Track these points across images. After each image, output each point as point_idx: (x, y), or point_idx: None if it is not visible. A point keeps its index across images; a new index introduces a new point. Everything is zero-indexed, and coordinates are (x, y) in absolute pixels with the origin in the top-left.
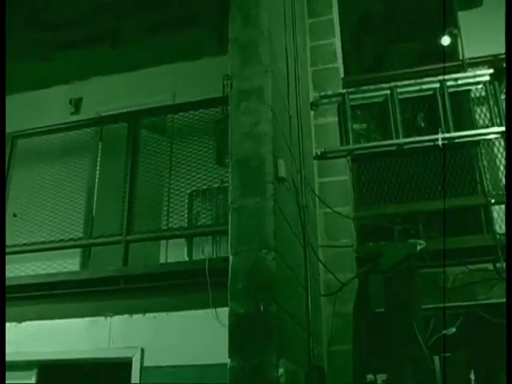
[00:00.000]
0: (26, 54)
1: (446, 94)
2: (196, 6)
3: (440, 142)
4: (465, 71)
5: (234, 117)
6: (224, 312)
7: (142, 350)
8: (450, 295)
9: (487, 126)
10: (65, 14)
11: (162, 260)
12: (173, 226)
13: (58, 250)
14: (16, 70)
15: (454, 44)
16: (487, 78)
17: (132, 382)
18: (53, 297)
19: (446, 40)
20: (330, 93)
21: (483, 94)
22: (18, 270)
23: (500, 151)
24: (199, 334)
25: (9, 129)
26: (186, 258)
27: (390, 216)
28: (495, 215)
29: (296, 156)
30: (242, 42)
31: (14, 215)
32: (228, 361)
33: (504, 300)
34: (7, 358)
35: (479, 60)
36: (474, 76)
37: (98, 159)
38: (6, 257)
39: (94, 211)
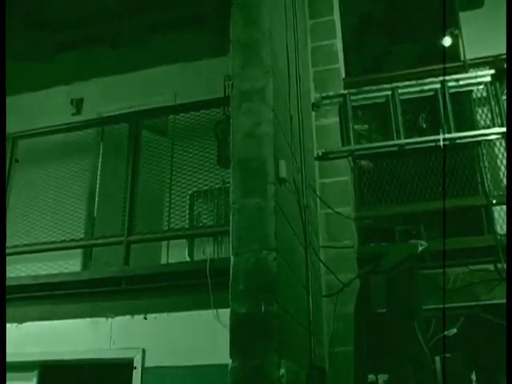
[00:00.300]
0: (26, 54)
1: (448, 95)
2: (197, 6)
3: (441, 143)
4: (466, 72)
5: (235, 117)
6: (225, 313)
7: (144, 351)
8: (450, 296)
9: (488, 127)
10: (65, 15)
11: (163, 261)
12: (174, 227)
13: (60, 250)
14: (16, 70)
15: (455, 45)
16: (488, 78)
17: (133, 382)
18: (54, 297)
19: (447, 41)
20: (331, 93)
21: (484, 94)
22: (19, 270)
23: (501, 152)
24: (200, 334)
25: (9, 129)
26: (188, 259)
27: (391, 217)
28: (496, 216)
29: (297, 156)
30: (244, 42)
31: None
32: (229, 361)
33: (505, 301)
34: (8, 359)
35: (480, 61)
36: (476, 77)
37: (100, 160)
38: (7, 257)
39: (95, 212)
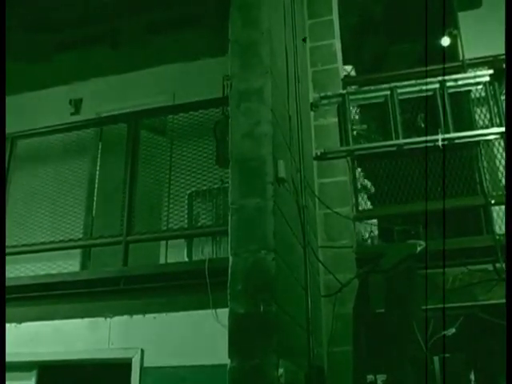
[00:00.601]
0: (26, 54)
1: (446, 95)
2: (196, 6)
3: (440, 143)
4: (465, 72)
5: (233, 117)
6: (224, 312)
7: (142, 351)
8: (449, 296)
9: (487, 127)
10: (65, 15)
11: (162, 261)
12: (173, 227)
13: (58, 250)
14: (16, 70)
15: (453, 45)
16: (487, 78)
17: (132, 382)
18: (53, 297)
19: (445, 41)
20: (329, 93)
21: (483, 94)
22: (18, 270)
23: (500, 152)
24: (199, 334)
25: (9, 129)
26: (186, 259)
27: (389, 217)
28: (495, 216)
29: (296, 156)
30: (242, 42)
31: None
32: (228, 361)
33: (504, 301)
34: (7, 359)
35: (479, 61)
36: (474, 77)
37: (98, 160)
38: (6, 257)
39: (94, 212)
